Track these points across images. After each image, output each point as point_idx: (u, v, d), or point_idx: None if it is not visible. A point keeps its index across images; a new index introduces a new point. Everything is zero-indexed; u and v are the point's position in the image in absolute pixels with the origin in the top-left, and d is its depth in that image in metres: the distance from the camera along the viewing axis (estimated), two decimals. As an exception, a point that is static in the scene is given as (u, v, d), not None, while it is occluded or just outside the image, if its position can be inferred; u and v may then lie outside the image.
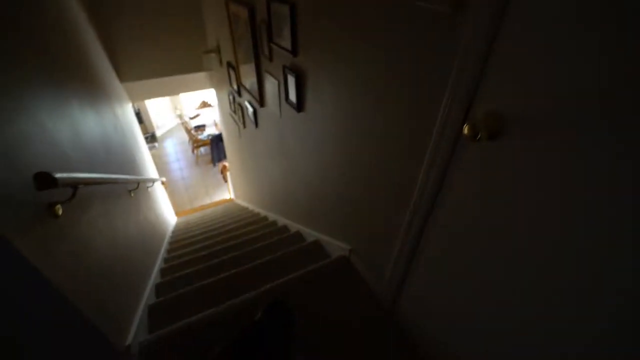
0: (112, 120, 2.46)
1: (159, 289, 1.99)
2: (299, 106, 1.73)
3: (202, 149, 7.73)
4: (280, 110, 2.09)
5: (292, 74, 1.66)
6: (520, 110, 0.60)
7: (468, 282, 0.86)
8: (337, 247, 1.79)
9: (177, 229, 4.25)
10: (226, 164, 6.46)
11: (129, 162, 2.67)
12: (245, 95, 2.90)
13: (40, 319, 0.94)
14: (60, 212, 1.02)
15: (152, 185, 3.32)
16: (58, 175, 0.86)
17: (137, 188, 2.37)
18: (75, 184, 1.01)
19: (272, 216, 3.30)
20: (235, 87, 3.12)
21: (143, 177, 2.60)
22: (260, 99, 2.46)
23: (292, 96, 1.76)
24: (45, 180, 0.83)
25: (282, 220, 2.92)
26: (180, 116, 8.84)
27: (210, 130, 7.76)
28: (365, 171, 1.25)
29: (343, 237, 1.72)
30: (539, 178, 0.59)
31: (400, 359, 1.23)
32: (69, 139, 1.35)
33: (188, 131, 7.71)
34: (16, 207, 0.81)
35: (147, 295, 1.76)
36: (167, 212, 4.47)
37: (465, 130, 0.68)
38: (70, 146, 1.34)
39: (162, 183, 4.89)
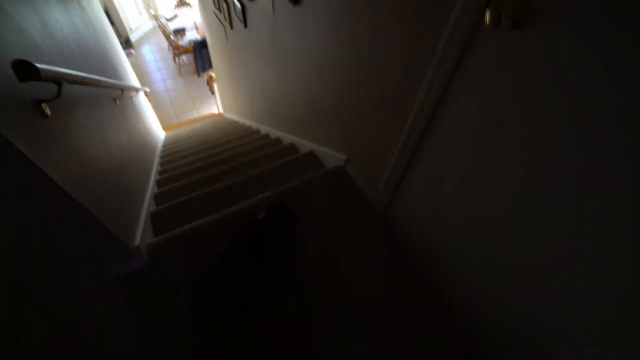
0: (80, 14, 2.16)
1: (157, 198, 2.04)
2: (296, -3, 1.54)
3: (184, 57, 7.12)
4: (272, 4, 1.86)
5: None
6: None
7: (463, 193, 0.89)
8: (333, 157, 1.80)
9: (167, 143, 4.18)
10: (212, 74, 6.05)
11: (109, 66, 2.45)
12: (230, -13, 2.54)
13: (53, 220, 0.97)
14: (49, 111, 0.96)
15: (136, 95, 3.13)
16: (41, 65, 0.78)
17: (121, 95, 2.22)
18: (58, 79, 0.93)
19: (264, 129, 3.24)
20: (218, -23, 2.72)
21: (127, 83, 2.42)
22: (250, -8, 2.17)
23: (289, -15, 1.55)
24: (27, 69, 0.75)
25: (275, 133, 2.88)
26: (155, 17, 7.87)
27: (192, 35, 7.02)
28: (368, 73, 1.18)
29: (339, 147, 1.72)
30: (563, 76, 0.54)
31: (390, 255, 1.36)
32: (38, 28, 1.19)
33: (167, 36, 6.96)
34: (3, 101, 0.75)
35: (147, 203, 1.80)
36: (155, 125, 4.33)
37: (487, 16, 0.62)
38: (39, 37, 1.19)
39: (145, 94, 4.62)
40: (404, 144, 1.07)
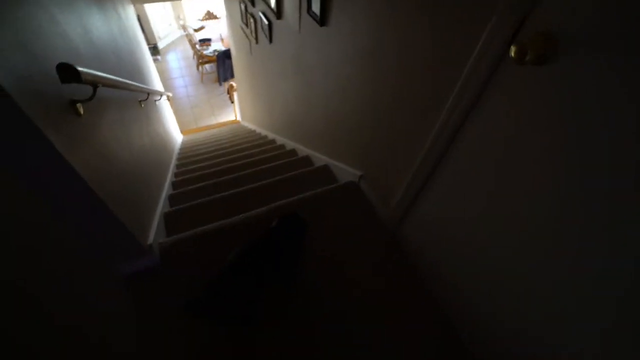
0: (117, 22, 2.29)
1: (172, 199, 2.09)
2: (323, 19, 1.60)
3: (207, 66, 7.36)
4: (299, 24, 1.93)
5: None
6: (575, 32, 0.55)
7: (476, 221, 0.90)
8: (347, 172, 1.82)
9: (185, 147, 4.29)
10: (233, 83, 6.22)
11: (138, 71, 2.57)
12: (259, 4, 2.65)
13: (76, 213, 1.01)
14: (82, 111, 1.01)
15: (159, 99, 3.24)
16: (82, 69, 0.83)
17: (146, 99, 2.32)
18: (95, 82, 0.98)
19: (280, 139, 3.30)
20: (248, -6, 2.84)
21: (153, 88, 2.52)
22: (278, 10, 2.25)
23: (316, 7, 1.61)
24: (68, 72, 0.80)
25: (290, 144, 2.93)
26: (183, 27, 8.20)
27: (217, 46, 7.28)
28: (391, 94, 1.21)
29: (354, 163, 1.74)
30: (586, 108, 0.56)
31: (399, 273, 1.35)
32: (80, 34, 1.27)
33: (192, 45, 7.24)
34: (44, 101, 0.80)
35: (162, 204, 1.85)
36: (174, 129, 4.46)
37: (512, 51, 0.64)
38: (81, 43, 1.27)
39: (168, 98, 4.78)
40: (421, 165, 1.09)
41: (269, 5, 2.39)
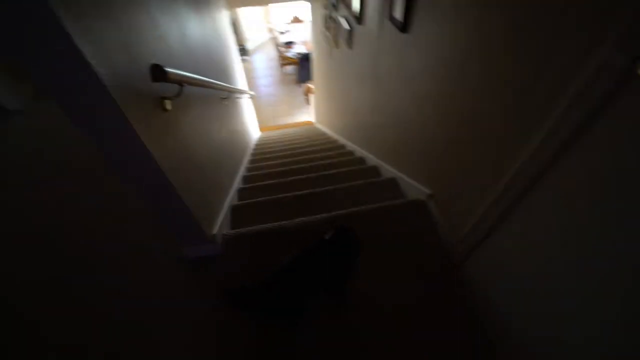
0: (211, 25, 2.51)
1: (241, 193, 2.20)
2: (405, 25, 1.51)
3: (288, 68, 7.72)
4: (380, 30, 1.87)
5: (405, -18, 1.41)
6: None
7: (557, 276, 0.73)
8: (415, 189, 1.70)
9: (260, 143, 4.54)
10: (311, 85, 6.40)
11: (224, 71, 2.78)
12: (342, 9, 2.65)
13: (153, 197, 1.11)
14: (169, 107, 1.11)
15: (241, 98, 3.48)
16: (169, 69, 0.90)
17: (229, 97, 2.49)
18: (181, 82, 1.06)
19: (350, 146, 3.27)
20: (333, -1, 2.87)
21: (235, 87, 2.71)
22: (360, 15, 2.22)
23: (398, 12, 1.53)
24: (158, 72, 0.88)
25: (359, 152, 2.88)
26: (271, 30, 8.74)
27: (299, 49, 7.58)
28: (471, 112, 1.07)
29: (423, 180, 1.61)
30: None
31: (459, 314, 1.20)
32: (177, 37, 1.40)
33: (277, 47, 7.66)
34: (138, 96, 0.89)
35: (231, 196, 1.96)
36: (252, 126, 4.75)
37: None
38: (177, 45, 1.40)
39: (251, 97, 5.11)
40: (500, 196, 0.94)
41: (350, 11, 2.38)
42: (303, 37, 8.48)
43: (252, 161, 3.27)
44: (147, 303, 1.04)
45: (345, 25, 2.61)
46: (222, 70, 2.63)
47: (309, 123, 6.33)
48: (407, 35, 1.53)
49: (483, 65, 0.98)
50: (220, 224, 1.55)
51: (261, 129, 5.80)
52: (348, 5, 2.45)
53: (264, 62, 8.37)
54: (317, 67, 5.12)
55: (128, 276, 0.96)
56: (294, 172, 2.57)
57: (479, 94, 1.02)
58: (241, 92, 3.18)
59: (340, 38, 2.89)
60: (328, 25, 3.33)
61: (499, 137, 0.95)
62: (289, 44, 7.86)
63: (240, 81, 3.96)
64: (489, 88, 0.96)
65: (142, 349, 0.92)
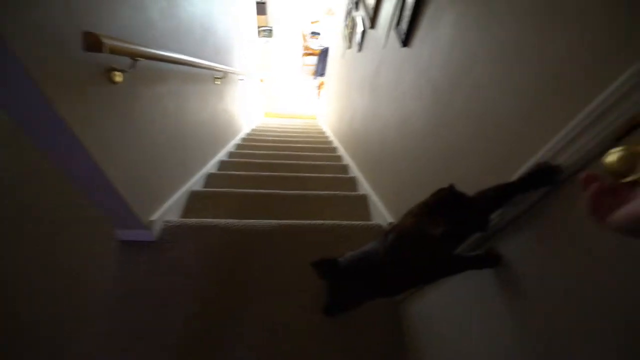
0: (223, 1, 2.40)
1: (209, 179, 2.11)
2: (406, 38, 1.40)
3: (308, 59, 7.56)
4: (386, 39, 1.75)
5: (414, -7, 1.29)
6: None
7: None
8: (380, 213, 1.60)
9: (256, 128, 4.44)
10: (324, 80, 6.27)
11: (227, 50, 2.67)
12: (361, 9, 2.52)
13: (75, 177, 1.02)
14: (118, 79, 1.01)
15: (245, 79, 3.37)
16: (107, 41, 0.81)
17: (224, 77, 2.39)
18: (132, 55, 0.97)
19: (341, 151, 3.16)
20: (355, -4, 2.73)
21: (231, 68, 2.59)
22: (373, 18, 2.10)
23: (404, 23, 1.41)
24: (91, 42, 0.78)
25: (347, 159, 2.77)
26: (300, 17, 8.55)
27: (323, 41, 7.42)
28: (459, 148, 0.96)
29: (393, 208, 1.51)
30: None
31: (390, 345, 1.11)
32: (159, 6, 1.31)
33: (303, 35, 7.50)
34: (68, 62, 0.80)
35: (194, 181, 1.86)
36: (253, 109, 4.64)
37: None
38: (158, 14, 1.30)
39: (260, 81, 5.00)
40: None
41: (367, 11, 2.25)
42: (330, 31, 8.30)
43: (239, 146, 3.17)
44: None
45: (360, 26, 2.48)
46: (223, 48, 2.52)
47: (312, 118, 6.23)
48: (408, 50, 1.42)
49: (469, 96, 0.87)
50: (165, 210, 1.46)
51: (266, 114, 5.71)
52: (366, 5, 2.32)
53: (287, 47, 8.21)
54: (330, 64, 4.98)
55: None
56: (272, 167, 2.48)
57: (463, 124, 0.91)
58: (241, 74, 3.08)
59: (354, 38, 2.76)
60: (347, 22, 3.19)
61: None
62: (314, 34, 7.69)
63: (248, 63, 3.85)
64: (474, 119, 0.85)
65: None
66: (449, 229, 0.53)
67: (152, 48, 1.10)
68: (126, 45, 0.91)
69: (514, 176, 0.63)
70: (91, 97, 0.91)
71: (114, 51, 0.84)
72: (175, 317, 1.19)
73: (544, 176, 0.55)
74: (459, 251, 0.77)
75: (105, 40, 0.80)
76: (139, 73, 1.14)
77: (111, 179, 1.03)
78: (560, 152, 0.53)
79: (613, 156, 0.35)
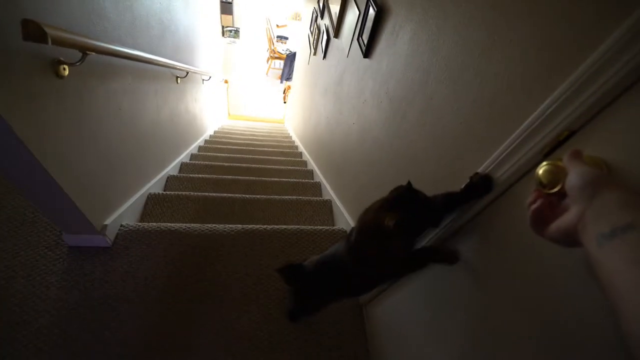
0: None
1: (169, 181, 2.02)
2: (367, 50, 1.45)
3: (275, 62, 7.53)
4: (349, 49, 1.80)
5: (374, 8, 1.34)
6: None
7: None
8: (343, 218, 1.63)
9: (221, 130, 4.32)
10: (290, 85, 6.28)
11: (190, 49, 2.59)
12: (326, 18, 2.57)
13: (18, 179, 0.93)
14: (64, 72, 0.94)
15: (209, 79, 3.28)
16: (51, 31, 0.75)
17: (185, 76, 2.31)
18: (81, 48, 0.91)
19: (305, 155, 3.18)
20: (320, 4, 2.78)
21: (194, 68, 2.51)
22: (337, 28, 2.15)
23: (365, 35, 1.47)
24: (32, 31, 0.72)
25: (311, 164, 2.79)
26: (267, 20, 8.51)
27: (290, 46, 7.44)
28: (413, 157, 1.01)
29: (355, 214, 1.54)
30: None
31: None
32: (114, -1, 1.24)
33: (269, 38, 7.46)
34: (4, 51, 0.73)
35: (153, 183, 1.77)
36: (218, 111, 4.52)
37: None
38: (111, 5, 1.23)
39: (225, 81, 4.89)
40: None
41: (332, 22, 2.30)
42: (297, 36, 8.35)
43: (202, 148, 3.07)
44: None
45: (325, 35, 2.53)
46: (186, 47, 2.44)
47: (279, 122, 6.21)
48: (369, 61, 1.47)
49: (422, 110, 0.92)
50: (121, 214, 1.38)
51: (231, 117, 5.58)
52: (330, 15, 2.37)
53: (253, 49, 8.11)
54: (297, 69, 5.02)
55: None
56: (236, 171, 2.43)
57: (417, 135, 0.96)
58: (204, 74, 2.99)
59: (319, 46, 2.81)
60: (313, 30, 3.24)
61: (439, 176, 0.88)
62: (281, 39, 7.70)
63: (212, 63, 3.76)
64: (427, 133, 0.90)
65: None
66: (404, 219, 0.57)
67: (103, 42, 1.03)
68: (73, 36, 0.85)
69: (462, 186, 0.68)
70: (32, 89, 0.84)
71: (58, 42, 0.78)
72: (129, 327, 1.12)
73: (479, 186, 0.61)
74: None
75: (49, 31, 0.74)
76: (90, 67, 1.07)
77: (56, 179, 0.95)
78: (499, 165, 0.58)
79: (541, 170, 0.40)
